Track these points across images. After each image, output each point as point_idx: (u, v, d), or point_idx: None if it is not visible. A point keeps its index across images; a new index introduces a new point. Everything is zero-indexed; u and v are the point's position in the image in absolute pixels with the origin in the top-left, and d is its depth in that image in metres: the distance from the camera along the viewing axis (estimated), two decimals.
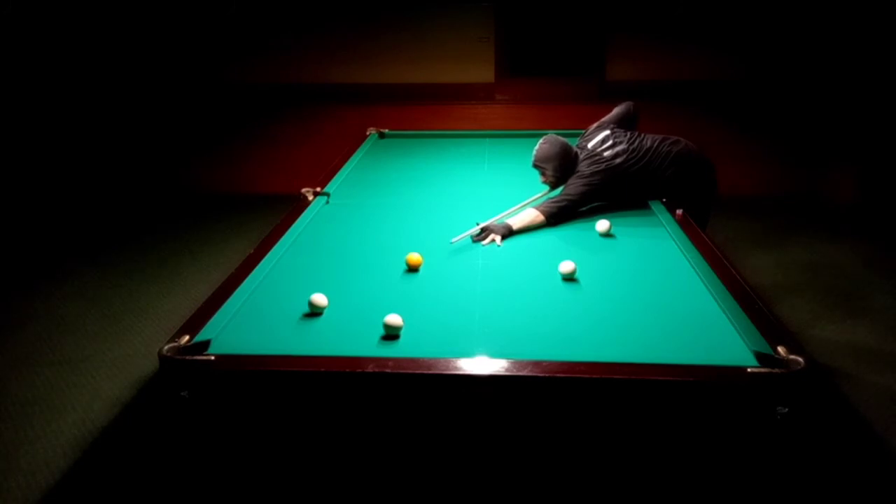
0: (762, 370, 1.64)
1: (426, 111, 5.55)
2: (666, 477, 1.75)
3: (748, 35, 5.36)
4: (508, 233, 2.67)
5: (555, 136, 2.93)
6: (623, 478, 1.77)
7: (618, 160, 2.85)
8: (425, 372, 1.67)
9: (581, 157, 2.92)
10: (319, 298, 2.03)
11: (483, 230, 2.65)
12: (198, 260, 4.55)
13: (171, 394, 1.72)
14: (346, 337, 1.89)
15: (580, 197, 2.82)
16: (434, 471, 1.81)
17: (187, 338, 1.81)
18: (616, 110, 3.19)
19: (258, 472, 1.84)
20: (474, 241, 2.62)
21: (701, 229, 2.73)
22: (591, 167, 2.85)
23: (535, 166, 2.94)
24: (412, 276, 2.32)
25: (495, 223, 2.68)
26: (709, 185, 3.04)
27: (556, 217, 2.78)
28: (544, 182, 2.97)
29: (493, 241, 2.61)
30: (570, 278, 2.23)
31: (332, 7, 5.63)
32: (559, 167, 2.88)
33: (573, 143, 3.03)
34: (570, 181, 2.87)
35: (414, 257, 2.32)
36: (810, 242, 4.64)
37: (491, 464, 1.78)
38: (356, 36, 5.71)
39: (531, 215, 2.75)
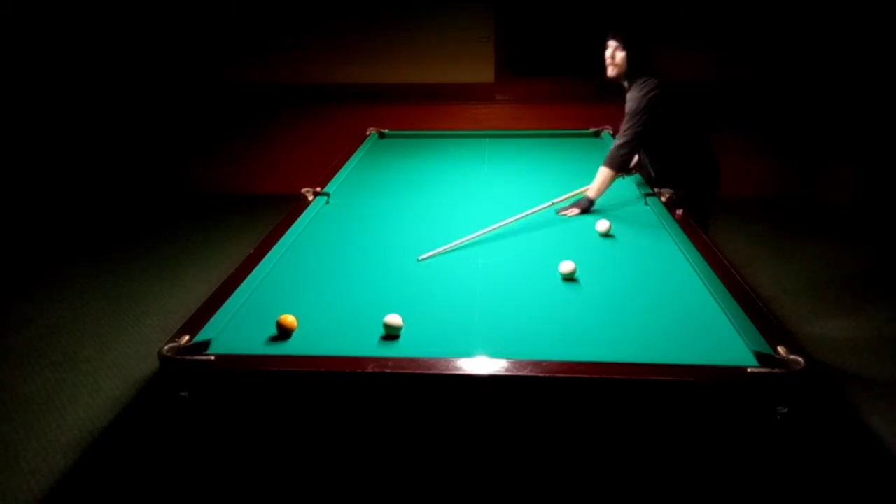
0: (762, 370, 1.64)
1: (426, 111, 5.55)
2: (666, 477, 1.75)
3: (748, 36, 5.36)
4: (590, 204, 2.85)
5: None
6: (623, 478, 1.77)
7: (672, 97, 2.85)
8: (425, 372, 1.67)
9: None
10: (287, 321, 1.89)
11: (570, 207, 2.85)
12: (198, 260, 4.56)
13: (171, 394, 1.72)
14: (346, 337, 1.89)
15: (639, 121, 2.80)
16: (434, 471, 1.81)
17: (187, 338, 1.81)
18: None
19: (258, 472, 1.84)
20: (559, 214, 2.84)
21: (703, 230, 2.75)
22: (653, 81, 2.81)
23: (614, 37, 2.84)
24: (412, 276, 2.31)
25: (580, 198, 2.87)
26: (714, 182, 3.07)
27: (623, 164, 2.88)
28: (610, 63, 2.88)
29: (573, 213, 2.83)
30: (570, 278, 2.23)
31: (332, 7, 5.63)
32: (638, 46, 2.82)
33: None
34: (627, 117, 2.85)
35: (287, 319, 1.90)
36: (810, 242, 4.64)
37: (491, 464, 1.78)
38: (356, 36, 5.70)
39: (603, 175, 2.87)
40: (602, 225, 2.63)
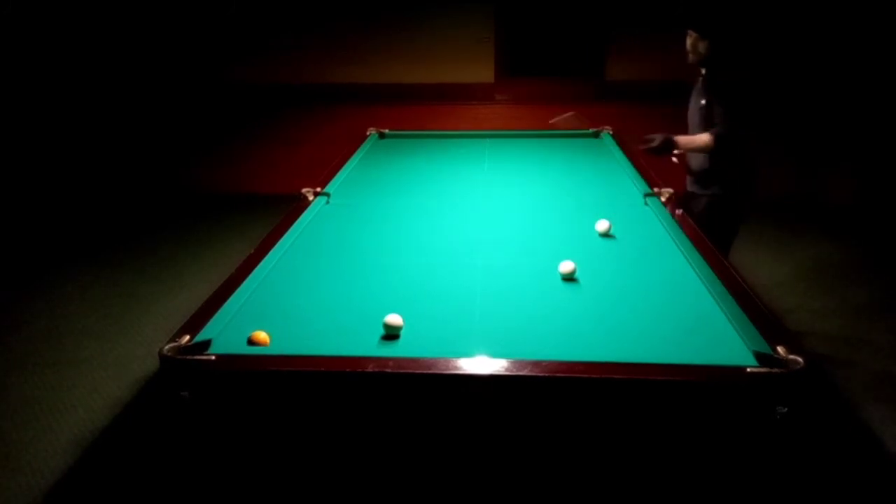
0: (761, 370, 1.64)
1: (426, 111, 5.55)
2: (665, 477, 1.75)
3: (748, 36, 5.36)
4: (671, 146, 2.83)
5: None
6: (623, 478, 1.77)
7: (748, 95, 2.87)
8: (425, 372, 1.67)
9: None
10: (259, 337, 1.88)
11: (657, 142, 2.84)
12: (198, 260, 4.56)
13: (171, 394, 1.72)
14: (346, 337, 1.89)
15: (741, 112, 2.74)
16: (434, 471, 1.81)
17: (188, 337, 1.81)
18: None
19: (258, 472, 1.84)
20: (644, 140, 2.88)
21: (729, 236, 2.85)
22: (736, 74, 2.79)
23: (693, 27, 2.78)
24: (412, 276, 2.32)
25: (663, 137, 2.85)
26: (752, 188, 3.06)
27: (725, 142, 2.78)
28: (691, 52, 2.84)
29: (651, 145, 2.89)
30: (569, 278, 2.23)
31: (332, 7, 5.64)
32: (720, 36, 2.75)
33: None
34: (724, 108, 2.77)
35: (260, 336, 1.89)
36: (810, 242, 4.64)
37: (491, 464, 1.79)
38: (356, 36, 5.71)
39: (703, 141, 2.82)
40: (602, 225, 2.63)
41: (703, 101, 2.91)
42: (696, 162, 3.04)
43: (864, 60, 5.23)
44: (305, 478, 1.86)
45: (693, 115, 3.01)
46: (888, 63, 5.14)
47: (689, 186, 3.05)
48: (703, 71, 2.94)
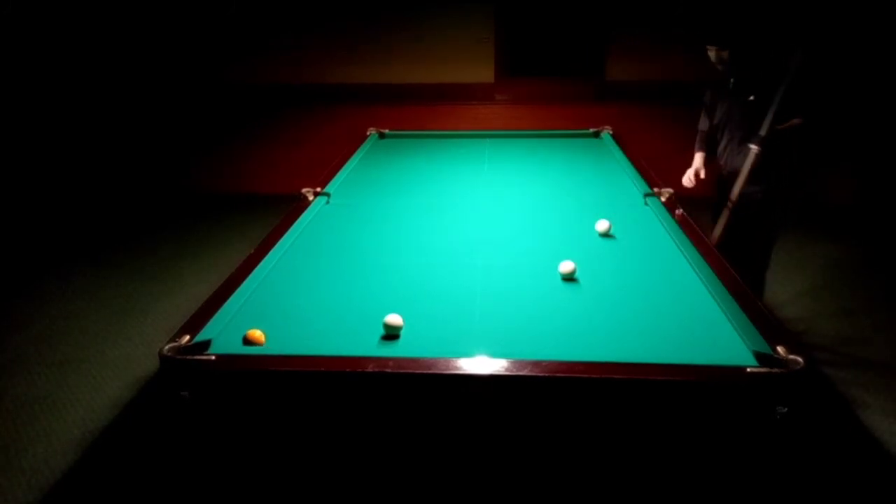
0: (761, 370, 1.64)
1: (426, 111, 5.55)
2: (665, 477, 1.75)
3: (748, 36, 5.36)
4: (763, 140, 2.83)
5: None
6: (623, 478, 1.77)
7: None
8: (425, 372, 1.67)
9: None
10: (255, 335, 1.87)
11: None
12: (198, 260, 4.56)
13: (171, 394, 1.72)
14: (346, 337, 1.89)
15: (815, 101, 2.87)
16: (434, 471, 1.81)
17: (188, 337, 1.81)
18: None
19: (258, 472, 1.84)
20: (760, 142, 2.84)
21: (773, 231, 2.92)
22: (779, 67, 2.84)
23: (710, 43, 2.86)
24: (412, 276, 2.32)
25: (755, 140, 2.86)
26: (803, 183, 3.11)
27: (818, 118, 2.89)
28: (718, 64, 2.92)
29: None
30: (569, 278, 2.23)
31: (331, 7, 5.64)
32: (739, 41, 2.84)
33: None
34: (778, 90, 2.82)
35: (255, 334, 1.90)
36: (810, 242, 4.64)
37: (490, 464, 1.79)
38: (356, 36, 5.71)
39: (794, 121, 2.85)
40: (602, 225, 2.63)
41: (752, 98, 2.97)
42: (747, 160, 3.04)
43: (864, 60, 5.22)
44: (306, 478, 1.86)
45: (737, 116, 3.05)
46: (888, 63, 5.14)
47: (746, 187, 3.05)
48: (732, 79, 3.02)
